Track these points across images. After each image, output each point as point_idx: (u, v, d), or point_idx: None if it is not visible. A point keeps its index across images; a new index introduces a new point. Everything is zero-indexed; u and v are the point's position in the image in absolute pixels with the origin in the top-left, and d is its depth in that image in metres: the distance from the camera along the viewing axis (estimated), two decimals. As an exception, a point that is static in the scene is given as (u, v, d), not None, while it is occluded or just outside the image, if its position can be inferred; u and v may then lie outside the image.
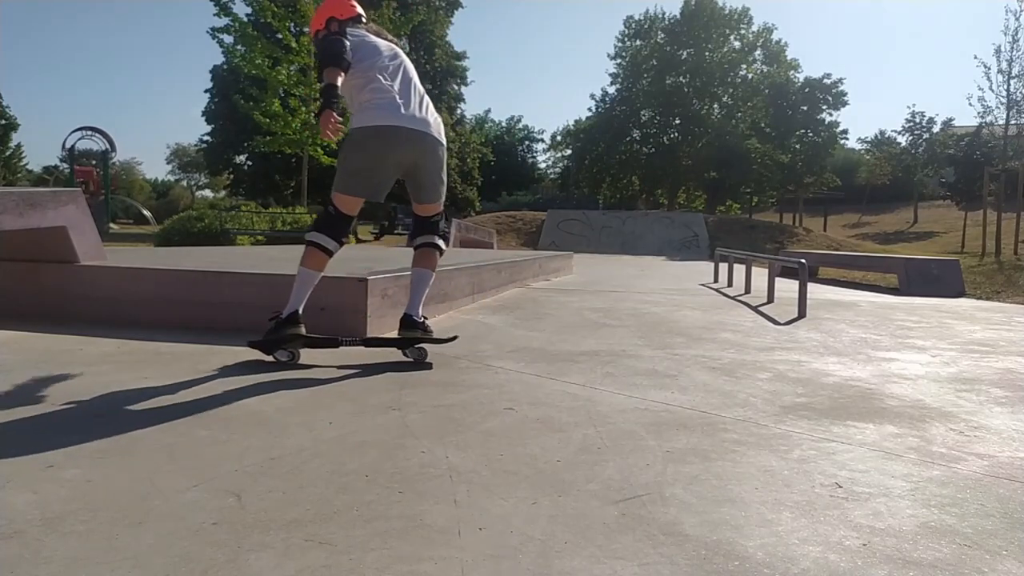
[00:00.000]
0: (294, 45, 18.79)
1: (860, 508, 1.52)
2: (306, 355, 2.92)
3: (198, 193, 69.71)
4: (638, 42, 43.57)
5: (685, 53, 41.28)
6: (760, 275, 7.91)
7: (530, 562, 1.23)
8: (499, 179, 54.28)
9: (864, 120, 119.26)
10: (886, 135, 47.50)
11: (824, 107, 37.02)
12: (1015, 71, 22.59)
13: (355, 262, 5.18)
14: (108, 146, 32.75)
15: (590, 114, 46.39)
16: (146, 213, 42.49)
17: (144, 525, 1.33)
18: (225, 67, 32.35)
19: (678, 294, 7.16)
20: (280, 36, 19.13)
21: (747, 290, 7.26)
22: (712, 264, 10.57)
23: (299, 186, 22.80)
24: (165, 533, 1.30)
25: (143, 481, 1.55)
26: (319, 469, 1.66)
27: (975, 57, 42.23)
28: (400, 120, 2.79)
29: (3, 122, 39.98)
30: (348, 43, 2.74)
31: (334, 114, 2.60)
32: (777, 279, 6.80)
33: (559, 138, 54.44)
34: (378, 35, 3.05)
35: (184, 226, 16.41)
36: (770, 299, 6.30)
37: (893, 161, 43.76)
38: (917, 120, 41.37)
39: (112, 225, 31.14)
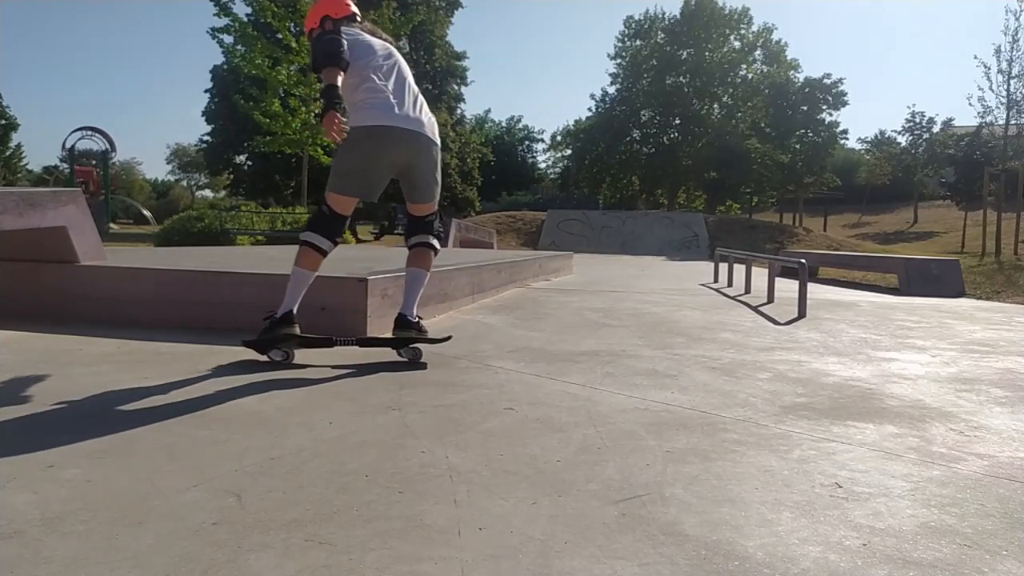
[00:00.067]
0: (294, 45, 18.79)
1: (860, 508, 1.52)
2: (303, 355, 2.92)
3: (198, 193, 69.76)
4: (638, 42, 43.57)
5: (685, 53, 41.28)
6: (760, 275, 7.91)
7: (530, 562, 1.23)
8: (499, 179, 54.27)
9: (864, 120, 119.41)
10: (886, 135, 47.56)
11: (824, 107, 37.02)
12: (1015, 71, 22.62)
13: (355, 262, 5.18)
14: (108, 146, 32.77)
15: (590, 114, 46.46)
16: (146, 213, 42.50)
17: (144, 525, 1.33)
18: (225, 67, 32.34)
19: (678, 294, 7.16)
20: (280, 36, 19.13)
21: (747, 290, 7.26)
22: (712, 264, 10.57)
23: (299, 186, 22.80)
24: (165, 533, 1.30)
25: (143, 481, 1.55)
26: (319, 469, 1.66)
27: (975, 57, 42.32)
28: (394, 120, 2.79)
29: (3, 122, 39.98)
30: (345, 42, 2.73)
31: (337, 115, 2.59)
32: (777, 279, 6.80)
33: (559, 138, 54.51)
34: (373, 34, 3.04)
35: (184, 226, 16.41)
36: (770, 299, 6.30)
37: (893, 161, 43.77)
38: (917, 120, 41.41)
39: (112, 225, 31.15)
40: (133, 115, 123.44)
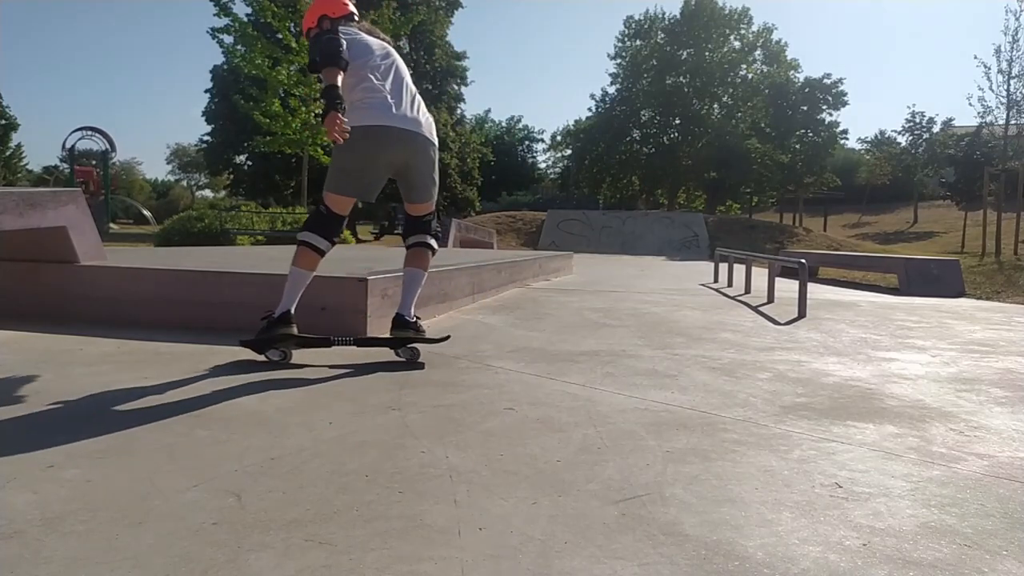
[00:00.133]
0: (294, 45, 18.78)
1: (860, 508, 1.52)
2: (302, 355, 2.92)
3: (198, 193, 69.74)
4: (638, 42, 43.57)
5: (685, 53, 41.28)
6: (760, 275, 7.91)
7: (530, 562, 1.23)
8: (499, 179, 54.26)
9: (864, 120, 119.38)
10: (886, 135, 47.56)
11: (824, 107, 37.03)
12: (1015, 71, 22.62)
13: (355, 262, 5.18)
14: (108, 146, 32.77)
15: (590, 114, 46.44)
16: (146, 213, 42.51)
17: (144, 525, 1.33)
18: (225, 67, 32.33)
19: (678, 294, 7.16)
20: (280, 36, 19.12)
21: (747, 290, 7.26)
22: (712, 264, 10.57)
23: (299, 186, 22.79)
24: (165, 533, 1.30)
25: (143, 481, 1.55)
26: (319, 469, 1.66)
27: (975, 57, 42.30)
28: (391, 120, 2.79)
29: (3, 122, 39.98)
30: (344, 42, 2.73)
31: (339, 116, 2.58)
32: (777, 279, 6.80)
33: (559, 138, 54.50)
34: (370, 33, 3.03)
35: (184, 226, 16.41)
36: (770, 299, 6.30)
37: (893, 161, 43.77)
38: (917, 120, 41.41)
39: (112, 225, 31.15)
40: (133, 115, 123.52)
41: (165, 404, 2.20)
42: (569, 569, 1.21)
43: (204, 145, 41.74)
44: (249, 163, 38.29)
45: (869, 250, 24.40)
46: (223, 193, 51.75)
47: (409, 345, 2.96)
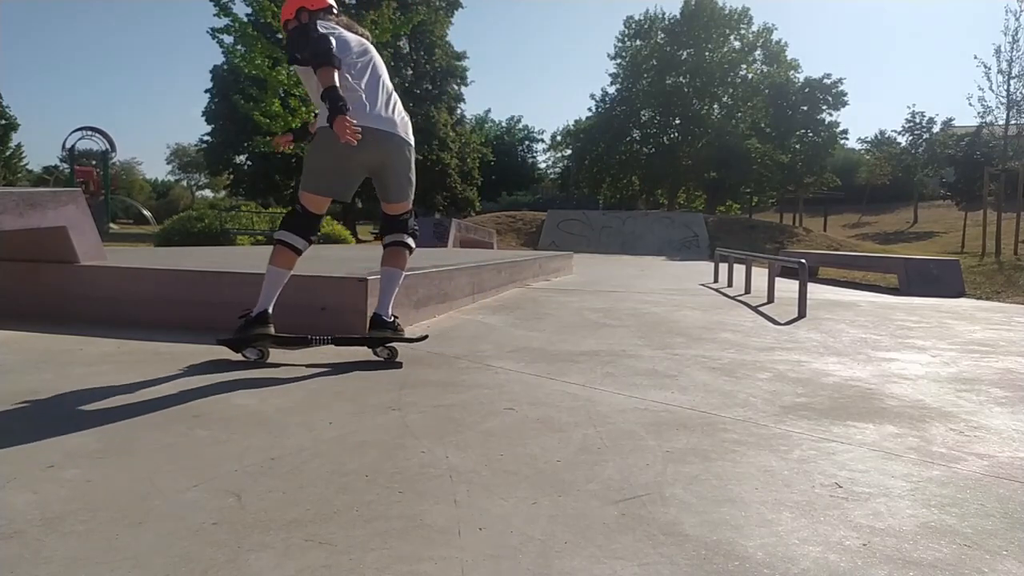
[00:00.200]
0: (294, 45, 18.76)
1: (860, 508, 1.52)
2: (302, 354, 2.92)
3: (198, 193, 69.74)
4: (638, 42, 43.56)
5: (685, 53, 41.28)
6: (760, 275, 7.91)
7: (530, 562, 1.23)
8: (499, 179, 54.25)
9: (864, 120, 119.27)
10: (886, 135, 47.57)
11: (824, 107, 37.04)
12: (1015, 71, 22.61)
13: (355, 262, 5.18)
14: (108, 146, 32.78)
15: (590, 114, 46.43)
16: (146, 213, 42.52)
17: (144, 525, 1.33)
18: (225, 67, 32.30)
19: (678, 294, 7.16)
20: (280, 36, 19.12)
21: (747, 290, 7.26)
22: (712, 264, 10.57)
23: (299, 186, 22.74)
24: (165, 533, 1.30)
25: (143, 481, 1.55)
26: (319, 469, 1.66)
27: (975, 57, 42.31)
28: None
29: (3, 122, 39.96)
30: (333, 40, 2.69)
31: (347, 118, 2.56)
32: (777, 279, 6.80)
33: (559, 138, 54.47)
34: (349, 28, 2.98)
35: (184, 226, 16.40)
36: (770, 299, 6.30)
37: (893, 161, 43.78)
38: (917, 120, 41.42)
39: (112, 225, 31.15)
40: (133, 115, 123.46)
41: (165, 404, 2.20)
42: (569, 569, 1.21)
43: (204, 145, 41.73)
44: (249, 163, 38.28)
45: (869, 250, 24.40)
46: (223, 193, 51.77)
47: (387, 344, 2.96)
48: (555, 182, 58.20)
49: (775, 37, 42.13)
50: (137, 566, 1.18)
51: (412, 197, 3.08)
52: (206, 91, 38.18)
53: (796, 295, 5.39)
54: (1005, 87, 22.82)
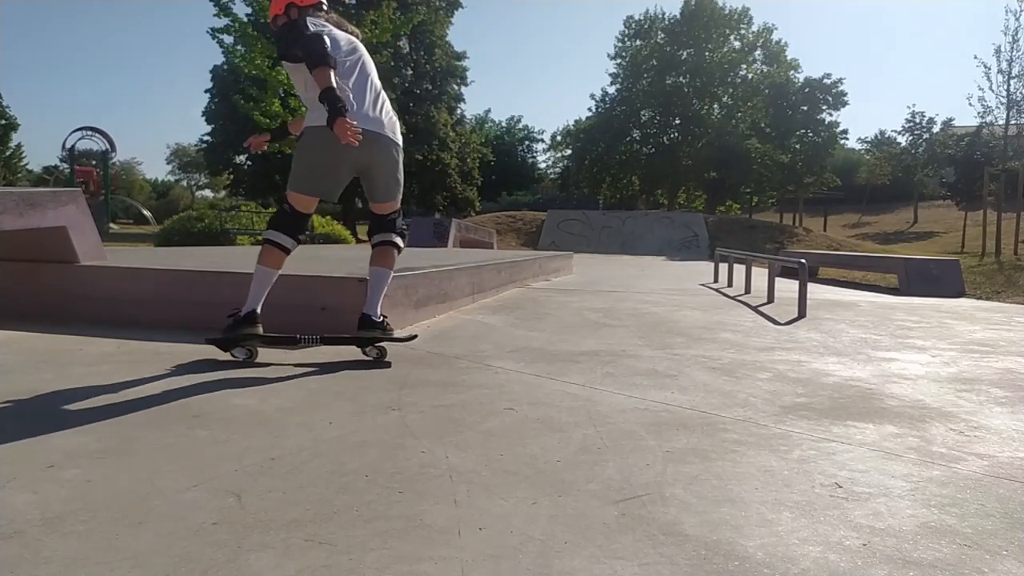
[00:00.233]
0: (294, 45, 18.76)
1: (860, 508, 1.52)
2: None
3: (198, 193, 69.70)
4: (638, 42, 43.54)
5: (685, 53, 41.26)
6: (760, 275, 7.91)
7: (530, 562, 1.23)
8: (499, 179, 54.25)
9: (864, 120, 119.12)
10: (886, 135, 47.56)
11: (824, 107, 37.02)
12: (1015, 71, 22.60)
13: (355, 262, 5.18)
14: (108, 146, 32.77)
15: (590, 114, 46.39)
16: (146, 213, 42.50)
17: (144, 525, 1.33)
18: (225, 67, 32.29)
19: (678, 294, 7.16)
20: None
21: (747, 290, 7.26)
22: (712, 264, 10.57)
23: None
24: (165, 533, 1.30)
25: (143, 481, 1.55)
26: (319, 469, 1.66)
27: (975, 57, 42.31)
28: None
29: (3, 122, 39.93)
30: (327, 38, 2.68)
31: (348, 121, 2.55)
32: (777, 279, 6.80)
33: (559, 138, 54.46)
34: (338, 25, 2.96)
35: (184, 226, 16.39)
36: (770, 299, 6.30)
37: (893, 161, 43.77)
38: (917, 120, 41.42)
39: (112, 225, 31.14)
40: (133, 115, 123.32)
41: (165, 404, 2.20)
42: (569, 569, 1.21)
43: (204, 145, 41.72)
44: (249, 163, 38.29)
45: (869, 250, 24.40)
46: (223, 193, 51.73)
47: (376, 344, 2.96)
48: (555, 182, 58.18)
49: (775, 37, 42.12)
50: (137, 566, 1.18)
51: (400, 197, 3.08)
52: (206, 91, 38.17)
53: (796, 295, 5.39)
54: (1005, 87, 22.83)
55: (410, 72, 37.17)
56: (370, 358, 2.96)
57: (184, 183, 73.16)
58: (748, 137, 38.78)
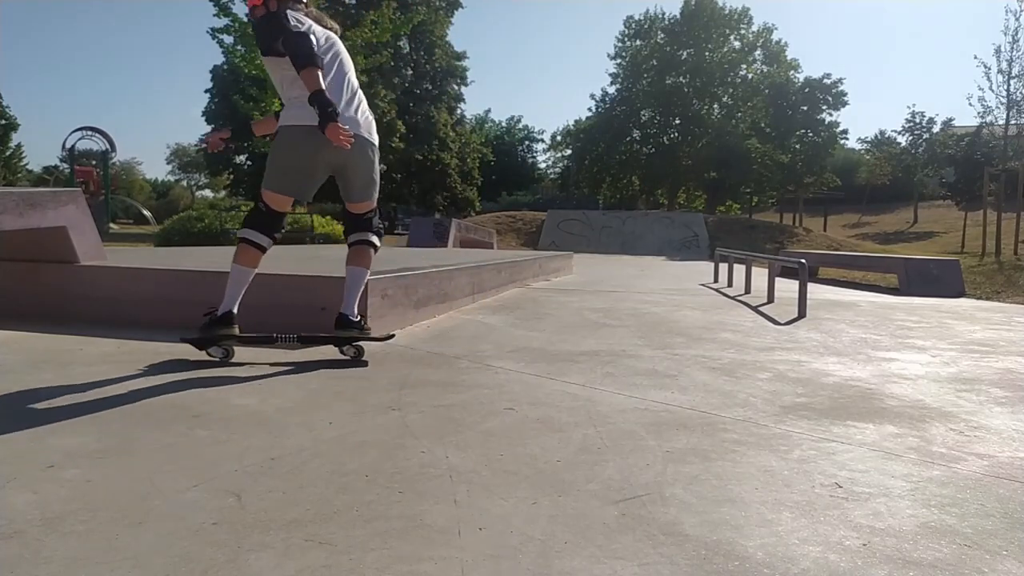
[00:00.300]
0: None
1: (860, 508, 1.52)
2: (299, 355, 2.92)
3: (198, 193, 69.68)
4: (638, 42, 43.54)
5: (685, 53, 41.26)
6: (760, 275, 7.91)
7: (530, 562, 1.23)
8: (499, 179, 54.26)
9: (864, 120, 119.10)
10: (886, 135, 47.53)
11: (824, 107, 37.01)
12: (1015, 71, 22.57)
13: (355, 262, 5.17)
14: (108, 146, 32.73)
15: (590, 114, 46.38)
16: (146, 213, 42.48)
17: (144, 525, 1.33)
18: (225, 67, 32.29)
19: (678, 294, 7.16)
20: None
21: (747, 290, 7.26)
22: (712, 264, 10.57)
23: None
24: (165, 533, 1.30)
25: (143, 481, 1.55)
26: (319, 469, 1.66)
27: (975, 57, 42.17)
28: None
29: (3, 122, 39.92)
30: (313, 38, 2.65)
31: (339, 125, 2.54)
32: (777, 279, 6.80)
33: (559, 138, 54.43)
34: (318, 20, 2.91)
35: (184, 226, 16.39)
36: (770, 299, 6.30)
37: (893, 161, 43.76)
38: (917, 120, 41.39)
39: (112, 225, 31.11)
40: (133, 115, 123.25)
41: (165, 404, 2.20)
42: (569, 569, 1.21)
43: (204, 145, 41.69)
44: (249, 163, 38.27)
45: (869, 250, 24.40)
46: (223, 193, 51.71)
47: (353, 343, 2.96)
48: (555, 182, 58.17)
49: (775, 37, 42.11)
50: (137, 566, 1.18)
51: (376, 196, 3.06)
52: (206, 91, 38.21)
53: (796, 295, 5.39)
54: (1005, 87, 22.81)
55: (410, 72, 37.17)
56: (347, 357, 2.96)
57: (184, 183, 73.17)
58: (748, 137, 38.78)
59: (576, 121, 50.80)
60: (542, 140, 69.12)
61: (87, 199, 4.19)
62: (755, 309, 5.74)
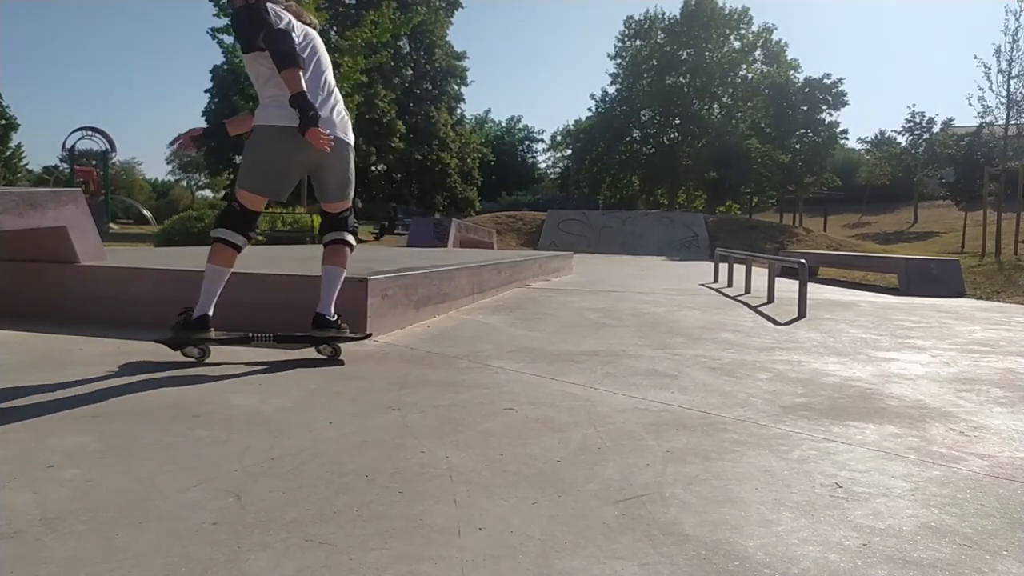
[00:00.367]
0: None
1: (860, 508, 1.52)
2: (300, 354, 2.92)
3: (198, 193, 69.72)
4: (638, 42, 43.54)
5: (685, 53, 41.26)
6: (760, 275, 7.91)
7: (530, 562, 1.23)
8: (499, 179, 54.26)
9: (864, 120, 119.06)
10: (886, 135, 47.50)
11: (824, 107, 36.98)
12: (1015, 71, 22.53)
13: (355, 262, 5.16)
14: (108, 146, 32.71)
15: (590, 114, 46.36)
16: (146, 213, 42.46)
17: (144, 525, 1.33)
18: (225, 67, 32.29)
19: (678, 294, 7.16)
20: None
21: (747, 290, 7.26)
22: (712, 264, 10.57)
23: (299, 186, 22.78)
24: (165, 533, 1.30)
25: (143, 481, 1.55)
26: (319, 469, 1.66)
27: (975, 57, 42.09)
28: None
29: (3, 122, 39.90)
30: (295, 36, 2.63)
31: (319, 130, 2.54)
32: (777, 279, 6.80)
33: (559, 138, 54.41)
34: (297, 15, 2.86)
35: (184, 226, 16.38)
36: (770, 299, 6.30)
37: (893, 161, 43.74)
38: (917, 120, 41.35)
39: (112, 225, 31.10)
40: (133, 115, 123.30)
41: (165, 404, 2.20)
42: (569, 569, 1.21)
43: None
44: (249, 163, 38.23)
45: (869, 250, 24.40)
46: (223, 193, 51.71)
47: (330, 343, 2.96)
48: (555, 182, 58.15)
49: (775, 37, 42.10)
50: (137, 566, 1.18)
51: (352, 194, 3.05)
52: (206, 91, 38.22)
53: (796, 295, 5.39)
54: (1005, 87, 22.78)
55: (410, 72, 37.17)
56: (324, 356, 2.96)
57: (184, 183, 73.19)
58: (748, 137, 38.76)
59: (576, 121, 50.80)
60: (542, 140, 69.12)
61: (87, 199, 4.19)
62: (755, 309, 5.74)
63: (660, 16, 42.72)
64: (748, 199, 43.05)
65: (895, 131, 46.43)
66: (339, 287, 3.01)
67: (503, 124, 63.10)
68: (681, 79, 41.66)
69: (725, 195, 42.54)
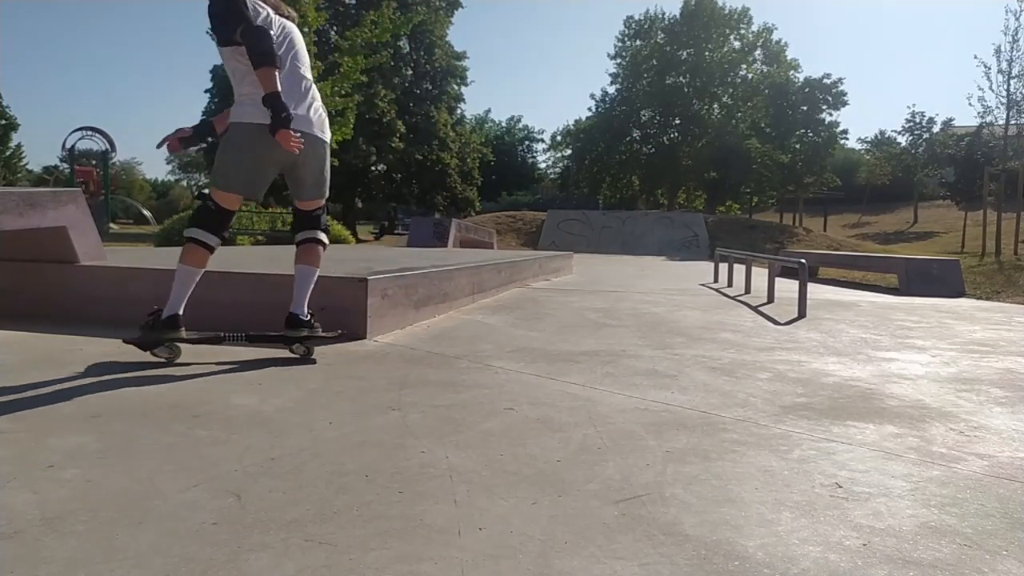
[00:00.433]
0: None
1: (860, 508, 1.52)
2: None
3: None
4: (638, 42, 43.53)
5: (685, 53, 41.26)
6: (760, 275, 7.91)
7: (530, 562, 1.23)
8: (499, 179, 54.24)
9: (864, 120, 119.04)
10: (886, 135, 47.50)
11: (824, 107, 36.98)
12: (1015, 71, 22.53)
13: (355, 262, 5.18)
14: (108, 146, 32.70)
15: (590, 114, 46.37)
16: (146, 213, 42.45)
17: (144, 525, 1.33)
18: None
19: (678, 294, 7.16)
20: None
21: (747, 290, 7.26)
22: (712, 264, 10.57)
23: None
24: (165, 533, 1.30)
25: (143, 481, 1.55)
26: (319, 469, 1.66)
27: (975, 57, 42.08)
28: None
29: (3, 122, 39.90)
30: (272, 33, 2.60)
31: (290, 132, 2.53)
32: (777, 279, 6.80)
33: (559, 138, 54.39)
34: (275, 8, 2.82)
35: (184, 226, 16.39)
36: (770, 299, 6.30)
37: (893, 161, 43.74)
38: (917, 120, 41.35)
39: (112, 225, 31.09)
40: (133, 115, 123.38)
41: (165, 404, 2.20)
42: (569, 569, 1.21)
43: (204, 145, 41.69)
44: (249, 163, 38.22)
45: (869, 250, 24.39)
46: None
47: (303, 342, 2.95)
48: (555, 182, 58.13)
49: (775, 37, 42.09)
50: (137, 566, 1.18)
51: (327, 193, 3.03)
52: (206, 91, 38.17)
53: (796, 295, 5.39)
54: (1005, 87, 22.78)
55: (410, 72, 37.13)
56: (297, 355, 2.96)
57: (184, 183, 73.17)
58: (748, 137, 38.76)
59: (576, 121, 50.78)
60: (542, 140, 69.07)
61: (87, 199, 4.19)
62: (755, 309, 5.74)
63: (660, 16, 42.72)
64: (748, 199, 43.06)
65: (895, 131, 46.48)
66: (312, 286, 3.00)
67: (503, 124, 63.12)
68: (681, 79, 41.66)
69: (725, 195, 42.54)
